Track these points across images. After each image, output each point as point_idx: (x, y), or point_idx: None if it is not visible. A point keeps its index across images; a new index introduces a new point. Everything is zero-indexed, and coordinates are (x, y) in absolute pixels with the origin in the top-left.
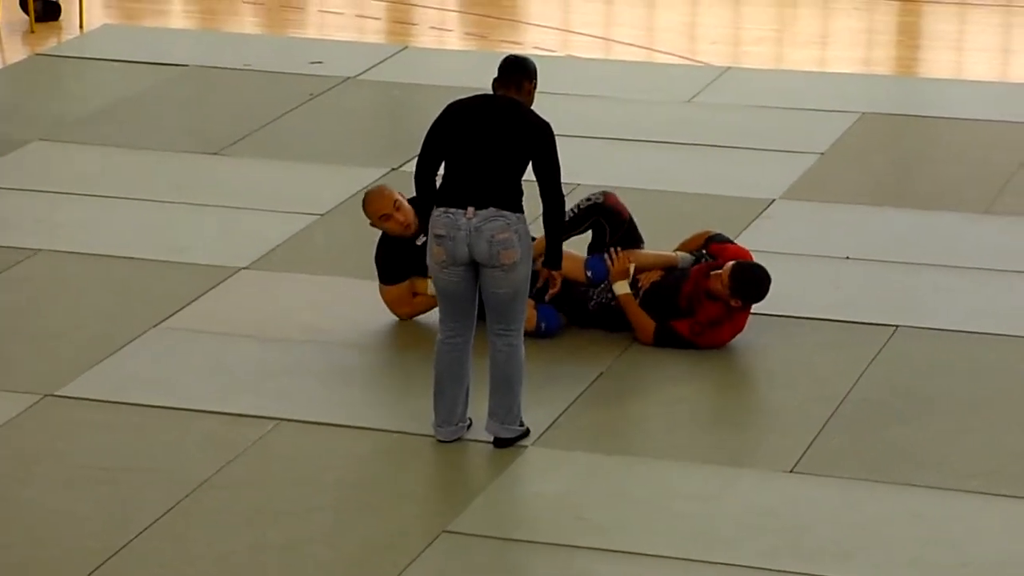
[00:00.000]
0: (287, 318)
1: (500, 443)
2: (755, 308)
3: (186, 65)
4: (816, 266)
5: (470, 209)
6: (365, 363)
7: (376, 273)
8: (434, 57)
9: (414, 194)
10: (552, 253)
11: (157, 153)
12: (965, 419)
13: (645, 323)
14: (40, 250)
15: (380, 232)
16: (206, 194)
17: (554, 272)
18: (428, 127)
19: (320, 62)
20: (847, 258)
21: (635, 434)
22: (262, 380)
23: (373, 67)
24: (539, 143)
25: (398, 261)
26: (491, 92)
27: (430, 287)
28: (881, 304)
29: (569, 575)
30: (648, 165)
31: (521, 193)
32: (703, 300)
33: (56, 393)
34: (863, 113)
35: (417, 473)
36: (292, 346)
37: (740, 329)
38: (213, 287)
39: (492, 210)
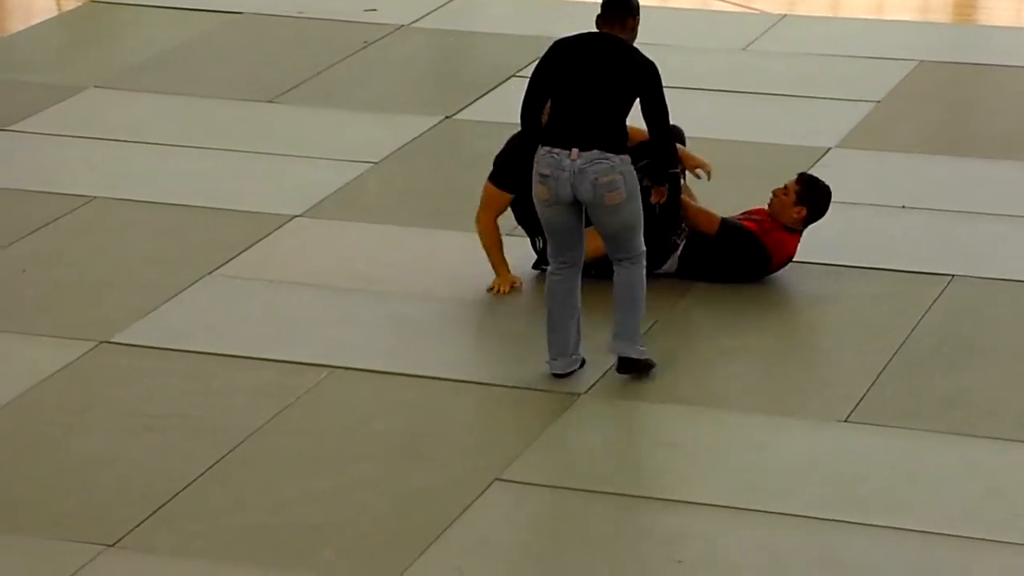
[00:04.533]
0: (340, 266)
1: (626, 365)
2: (811, 257)
3: (240, 12)
4: (872, 215)
5: (574, 150)
6: (418, 312)
7: (492, 169)
8: (488, 4)
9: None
10: (658, 172)
11: (211, 101)
12: (1021, 369)
13: (706, 212)
14: (94, 197)
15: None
16: (260, 142)
17: (659, 188)
18: (478, 73)
19: (374, 9)
20: (903, 207)
21: (687, 384)
22: (315, 328)
23: (427, 14)
24: (646, 82)
25: (525, 170)
26: (595, 30)
27: None
28: (937, 253)
29: (622, 524)
30: (704, 113)
31: (626, 135)
32: (769, 224)
33: (110, 340)
34: (920, 61)
35: (469, 421)
36: (345, 294)
37: (793, 252)
38: (266, 235)
39: (596, 152)
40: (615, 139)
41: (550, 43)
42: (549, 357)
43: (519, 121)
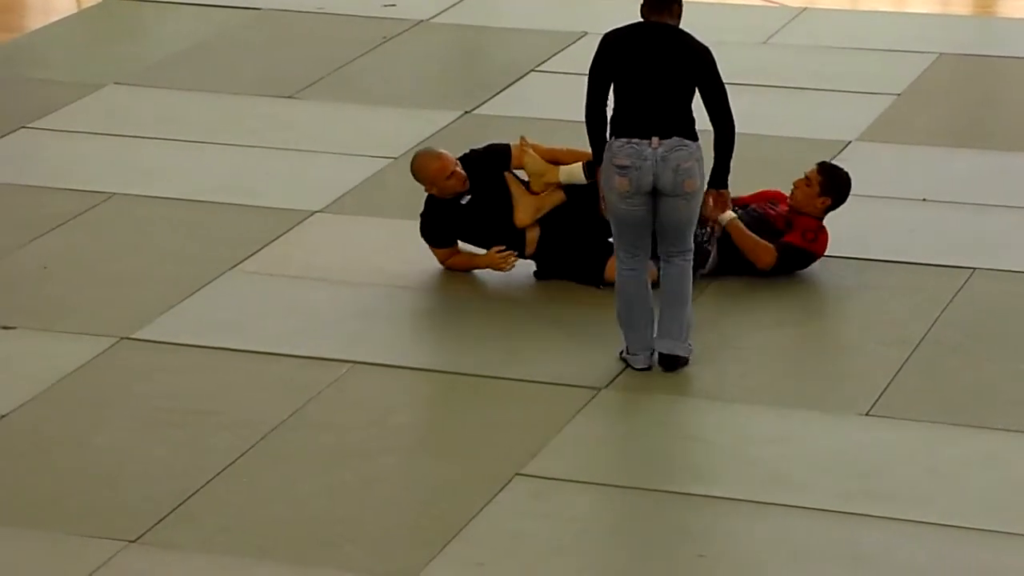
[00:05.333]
0: (361, 262)
1: (671, 362)
2: (832, 250)
3: (260, 8)
4: (892, 208)
5: (655, 139)
6: (438, 306)
7: (423, 238)
8: (507, 0)
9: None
10: (720, 173)
11: (231, 97)
12: None
13: (764, 245)
14: (115, 194)
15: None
16: (280, 138)
17: (721, 191)
18: (498, 69)
19: (393, 4)
20: (924, 200)
21: (708, 377)
22: (336, 323)
23: (447, 10)
24: (704, 67)
25: (446, 224)
26: (641, 20)
27: (562, 173)
28: (957, 246)
29: (643, 518)
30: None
31: (695, 120)
32: (795, 216)
33: (131, 336)
34: (941, 53)
35: (490, 416)
36: (366, 289)
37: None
38: (287, 231)
39: (676, 139)
40: (690, 126)
41: (574, 37)
42: (628, 351)
43: (584, 117)
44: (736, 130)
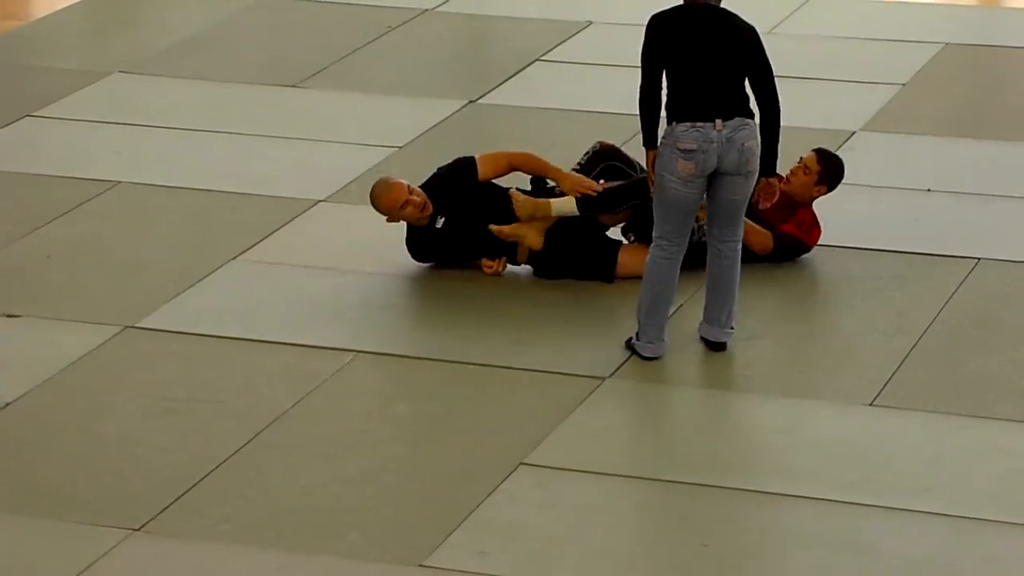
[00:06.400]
0: (365, 251)
1: (716, 347)
2: (836, 240)
3: None
4: (897, 198)
5: (718, 121)
6: (441, 295)
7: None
8: None
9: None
10: (769, 160)
11: (235, 85)
12: None
13: (764, 231)
14: (119, 182)
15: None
16: (284, 126)
17: (771, 180)
18: (502, 58)
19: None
20: (928, 190)
21: (712, 367)
22: (339, 312)
23: None
24: (753, 47)
25: (428, 248)
26: (685, 2)
27: (555, 208)
28: (962, 236)
29: (647, 508)
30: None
31: (749, 98)
32: (790, 205)
33: (136, 325)
34: (946, 43)
35: (494, 405)
36: (369, 279)
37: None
38: (291, 220)
39: (738, 119)
40: (746, 104)
41: (579, 27)
42: (642, 339)
43: (638, 105)
44: (781, 114)
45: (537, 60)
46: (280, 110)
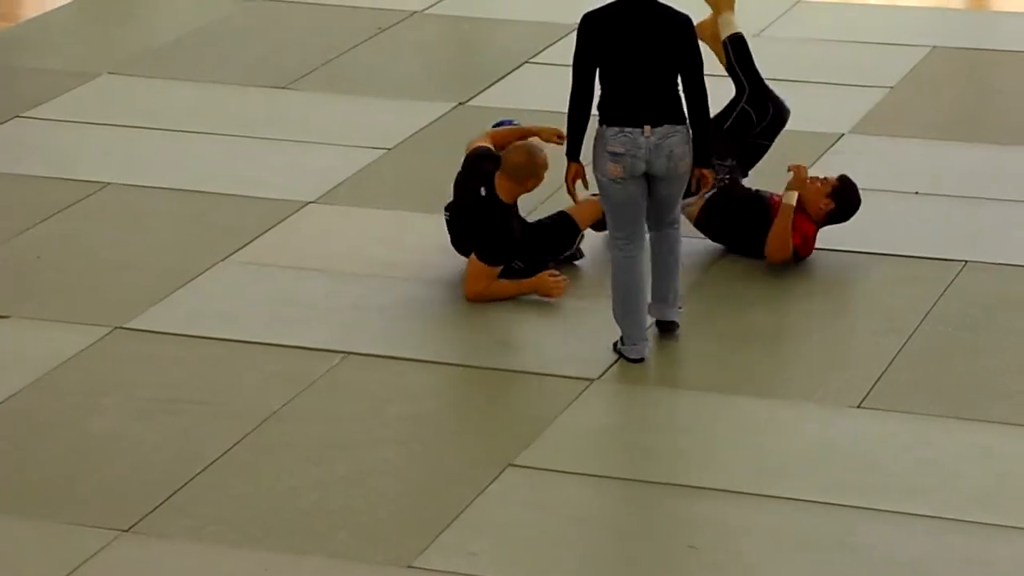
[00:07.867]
0: (354, 252)
1: (667, 327)
2: (825, 243)
3: None
4: (886, 201)
5: (647, 127)
6: (431, 297)
7: (480, 247)
8: None
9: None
10: (701, 151)
11: (225, 87)
12: None
13: (788, 244)
14: (109, 183)
15: (478, 196)
16: (274, 128)
17: (705, 171)
18: (492, 60)
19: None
20: (917, 193)
21: (701, 368)
22: (329, 314)
23: (440, 1)
24: (684, 39)
25: (511, 239)
26: None
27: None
28: (950, 239)
29: (636, 510)
30: (717, 99)
31: (682, 100)
32: (797, 212)
33: (125, 326)
34: (934, 47)
35: (483, 406)
36: (359, 280)
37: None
38: (281, 221)
39: (667, 126)
40: (678, 108)
41: (568, 29)
42: (626, 342)
43: (568, 106)
44: (709, 106)
45: (526, 62)
46: (270, 112)
